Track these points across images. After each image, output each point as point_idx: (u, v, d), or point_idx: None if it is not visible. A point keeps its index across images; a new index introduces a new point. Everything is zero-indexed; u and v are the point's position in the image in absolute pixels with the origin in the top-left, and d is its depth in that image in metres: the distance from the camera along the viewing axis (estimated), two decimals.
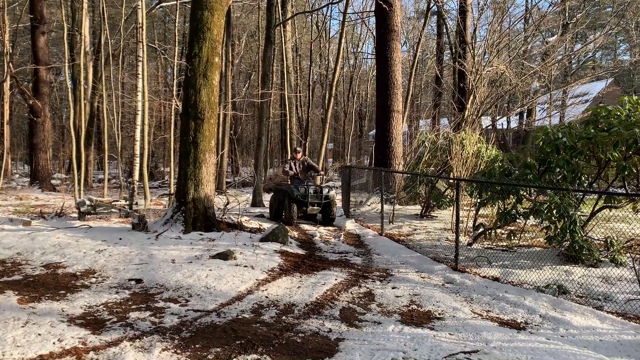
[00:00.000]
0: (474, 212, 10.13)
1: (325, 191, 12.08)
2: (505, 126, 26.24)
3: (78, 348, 4.30)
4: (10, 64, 18.98)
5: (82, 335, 4.58)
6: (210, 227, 9.82)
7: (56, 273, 6.79)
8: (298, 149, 13.37)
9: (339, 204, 14.67)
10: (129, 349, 4.28)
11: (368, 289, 6.54)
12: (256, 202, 16.28)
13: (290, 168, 12.85)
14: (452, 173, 11.63)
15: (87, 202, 11.70)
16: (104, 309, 5.40)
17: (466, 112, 17.55)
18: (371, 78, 36.29)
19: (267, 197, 17.44)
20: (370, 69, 37.59)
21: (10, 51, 20.62)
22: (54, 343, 4.37)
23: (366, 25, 32.65)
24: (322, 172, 13.25)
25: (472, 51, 19.29)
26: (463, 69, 19.59)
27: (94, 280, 6.52)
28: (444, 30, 27.67)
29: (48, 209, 13.36)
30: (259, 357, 4.25)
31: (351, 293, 6.32)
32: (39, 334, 4.53)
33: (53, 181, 22.76)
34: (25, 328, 4.65)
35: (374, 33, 22.94)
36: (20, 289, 5.92)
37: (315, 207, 12.13)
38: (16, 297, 5.60)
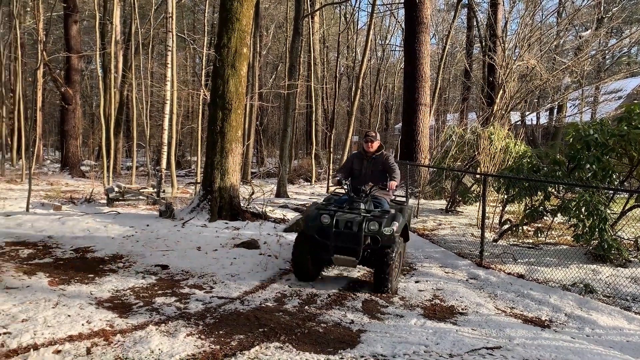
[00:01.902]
0: (501, 208, 10.00)
1: (371, 225, 5.75)
2: (534, 122, 25.77)
3: (106, 330, 4.41)
4: (44, 51, 19.39)
5: (110, 318, 4.69)
6: (235, 216, 9.92)
7: (85, 257, 6.96)
8: (372, 134, 6.84)
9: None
10: (154, 333, 4.37)
11: None
12: (280, 193, 16.36)
13: (350, 170, 6.89)
14: (479, 168, 11.49)
15: (116, 189, 11.92)
16: (131, 293, 5.52)
17: (495, 107, 17.28)
18: (399, 71, 35.97)
19: (291, 188, 17.53)
20: (397, 61, 37.27)
21: (44, 39, 21.07)
22: (82, 325, 4.48)
23: (395, 17, 32.37)
24: (393, 186, 6.42)
25: (502, 45, 18.95)
26: (493, 63, 19.28)
27: (121, 265, 6.66)
28: (474, 23, 27.23)
29: (78, 195, 13.66)
30: (282, 345, 4.29)
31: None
32: (69, 315, 4.66)
33: (82, 168, 23.24)
34: (56, 309, 4.79)
35: (403, 25, 22.71)
36: (51, 271, 6.08)
37: (346, 257, 5.82)
38: (47, 278, 5.76)
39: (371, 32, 19.03)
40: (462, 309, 5.59)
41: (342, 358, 4.11)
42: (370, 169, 6.74)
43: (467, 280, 6.83)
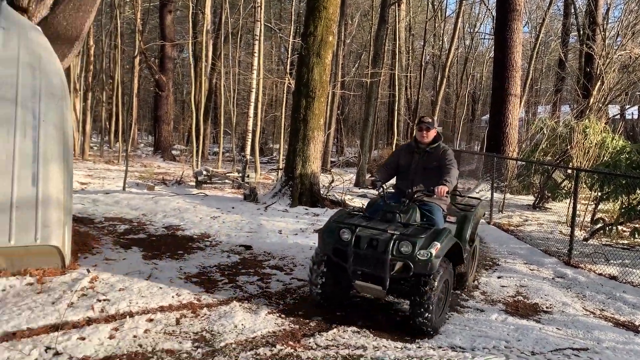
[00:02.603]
0: (593, 206, 9.45)
1: (403, 246, 4.16)
2: (635, 116, 23.97)
3: (193, 303, 4.67)
4: (141, 40, 20.55)
5: (197, 292, 4.96)
6: (314, 203, 10.09)
7: (175, 234, 7.38)
8: (428, 119, 5.30)
9: None
10: (238, 309, 4.57)
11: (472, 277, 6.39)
12: (359, 182, 16.39)
13: (395, 167, 5.44)
14: (571, 163, 10.90)
15: (204, 173, 12.49)
16: (217, 270, 5.79)
17: (591, 99, 16.27)
18: (487, 60, 34.70)
19: (369, 177, 17.49)
20: (487, 50, 35.94)
21: (141, 28, 22.31)
22: (172, 297, 4.77)
23: (485, 5, 31.18)
24: (442, 192, 4.73)
25: (602, 33, 17.76)
26: (591, 53, 18.13)
27: (208, 243, 7.00)
28: (572, 11, 25.69)
29: (169, 177, 14.44)
30: (359, 330, 4.34)
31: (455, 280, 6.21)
32: (160, 287, 4.97)
33: (173, 151, 24.49)
34: (148, 281, 5.13)
35: (494, 13, 21.86)
36: (144, 246, 6.51)
37: (370, 285, 4.37)
38: (141, 253, 6.17)
39: (460, 20, 18.48)
40: (547, 308, 5.37)
41: (419, 347, 4.09)
42: (422, 165, 5.15)
43: (553, 278, 6.55)
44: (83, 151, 19.45)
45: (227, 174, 13.54)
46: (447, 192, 4.78)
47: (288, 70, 17.43)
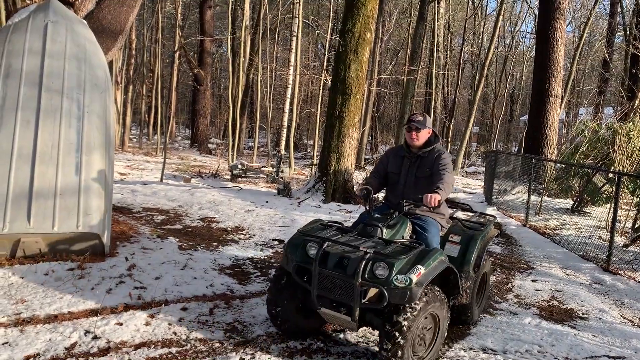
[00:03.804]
0: (635, 211, 9.16)
1: (378, 269, 3.32)
2: None
3: (226, 294, 4.75)
4: (181, 35, 20.92)
5: (230, 283, 5.04)
6: (347, 200, 10.10)
7: (210, 226, 7.51)
8: (418, 117, 4.29)
9: (474, 199, 13.72)
10: None
11: (506, 279, 6.30)
12: None
13: (385, 172, 4.55)
14: (613, 167, 10.58)
15: (239, 166, 12.66)
16: (250, 263, 5.88)
17: (636, 102, 15.73)
18: (528, 59, 33.96)
19: None
20: (527, 49, 35.17)
21: (181, 23, 22.72)
22: (206, 287, 4.87)
23: (527, 3, 30.52)
24: (431, 201, 3.84)
25: None
26: (638, 53, 17.52)
27: (242, 236, 7.10)
28: (619, 10, 24.86)
29: (205, 170, 14.68)
30: None
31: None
32: (195, 278, 5.08)
33: (209, 145, 24.87)
34: (184, 271, 5.24)
35: (536, 11, 21.37)
36: (180, 237, 6.65)
37: (337, 315, 3.49)
38: (177, 243, 6.30)
39: (500, 18, 18.15)
40: (583, 314, 5.24)
41: (450, 348, 4.07)
42: (413, 172, 4.29)
43: (590, 284, 6.39)
44: (123, 143, 19.96)
45: (262, 169, 13.69)
46: (439, 202, 3.86)
47: (325, 67, 17.45)
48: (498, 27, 18.02)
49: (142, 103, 25.38)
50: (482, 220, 4.96)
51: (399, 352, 3.28)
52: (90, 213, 5.06)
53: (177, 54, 21.91)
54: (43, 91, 5.29)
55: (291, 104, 16.07)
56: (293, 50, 15.27)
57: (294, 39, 15.16)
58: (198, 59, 23.42)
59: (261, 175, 13.02)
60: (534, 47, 17.84)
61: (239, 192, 10.52)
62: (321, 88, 17.59)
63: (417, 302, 3.32)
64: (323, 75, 15.87)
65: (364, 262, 3.30)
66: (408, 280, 3.22)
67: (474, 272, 4.26)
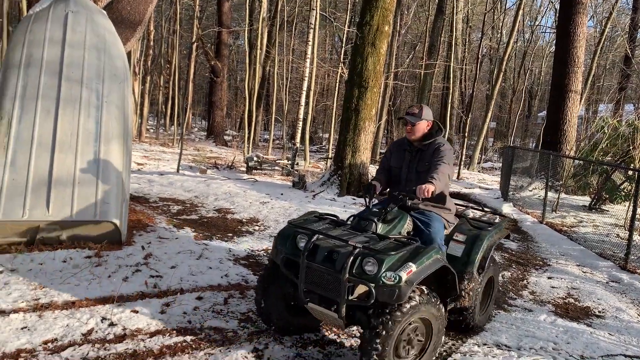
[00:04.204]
0: None
1: (367, 264, 3.17)
2: None
3: (241, 284, 4.79)
4: (199, 27, 20.97)
5: (245, 274, 5.08)
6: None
7: (225, 217, 7.55)
8: (414, 109, 4.10)
9: (490, 195, 13.57)
10: None
11: (521, 275, 6.25)
12: None
13: (389, 167, 4.30)
14: (632, 164, 10.42)
15: (255, 158, 12.70)
16: (264, 254, 5.90)
17: None
18: (547, 54, 33.49)
19: None
20: (547, 44, 34.68)
21: (199, 15, 22.78)
22: (221, 277, 4.91)
23: None
24: (424, 192, 3.60)
25: None
26: None
27: (257, 227, 7.13)
28: None
29: (220, 161, 14.74)
30: None
31: (502, 277, 6.09)
32: (210, 268, 5.11)
33: (225, 137, 24.95)
34: (199, 261, 5.28)
35: (557, 5, 21.05)
36: (196, 227, 6.70)
37: (324, 310, 3.34)
38: (193, 233, 6.35)
39: (520, 12, 17.91)
40: (599, 312, 5.19)
41: (464, 343, 4.06)
42: (414, 167, 4.08)
43: (607, 282, 6.32)
44: (140, 133, 20.11)
45: (277, 161, 13.72)
46: (433, 193, 3.63)
47: (342, 60, 17.39)
48: (518, 21, 17.78)
49: (160, 94, 25.52)
50: (493, 219, 4.73)
51: (378, 355, 3.08)
52: (107, 202, 5.12)
53: (194, 46, 21.97)
54: (63, 80, 5.36)
55: (307, 96, 16.05)
56: (310, 43, 15.23)
57: (311, 31, 15.11)
58: (215, 51, 23.46)
59: (276, 168, 13.04)
60: (554, 42, 17.60)
61: (254, 184, 10.56)
62: (338, 81, 17.53)
63: (406, 303, 3.13)
64: (340, 68, 15.81)
65: (352, 257, 3.15)
66: (397, 278, 3.05)
67: (478, 273, 3.99)
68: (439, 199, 3.93)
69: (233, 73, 42.03)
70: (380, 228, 3.58)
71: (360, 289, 3.29)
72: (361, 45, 9.96)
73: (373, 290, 3.07)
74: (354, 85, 10.03)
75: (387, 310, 3.12)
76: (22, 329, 3.55)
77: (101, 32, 5.79)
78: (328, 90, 30.06)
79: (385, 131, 28.40)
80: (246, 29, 17.90)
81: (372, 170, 11.94)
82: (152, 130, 24.60)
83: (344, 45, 17.90)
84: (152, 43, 21.99)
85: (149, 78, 22.27)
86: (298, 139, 15.54)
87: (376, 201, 4.08)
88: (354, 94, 10.01)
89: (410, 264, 3.14)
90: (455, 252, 4.01)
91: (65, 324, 3.67)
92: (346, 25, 15.32)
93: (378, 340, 3.07)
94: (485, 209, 4.94)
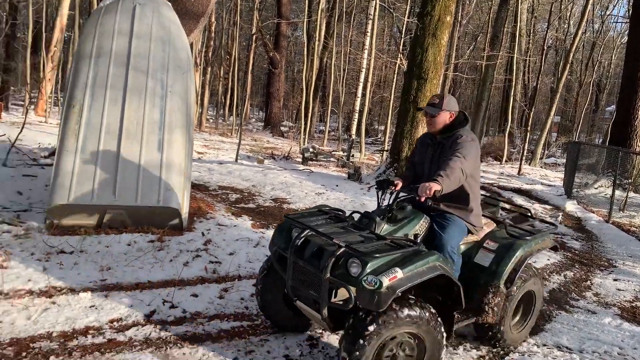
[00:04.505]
0: None
1: (352, 265, 2.87)
2: None
3: None
4: (259, 18, 21.24)
5: None
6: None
7: (282, 207, 7.65)
8: (434, 100, 3.66)
9: (553, 191, 13.15)
10: None
11: (584, 276, 6.00)
12: None
13: (412, 163, 4.03)
14: None
15: (311, 149, 12.78)
16: None
17: None
18: (618, 46, 31.80)
19: None
20: (618, 35, 32.90)
21: (259, 6, 23.05)
22: None
23: None
24: (427, 191, 3.14)
25: None
26: None
27: None
28: None
29: (277, 152, 14.93)
30: None
31: (564, 276, 5.88)
32: (266, 255, 5.17)
33: (281, 128, 25.23)
34: (256, 249, 5.38)
35: None
36: (253, 216, 6.82)
37: (308, 309, 3.21)
38: (250, 221, 6.47)
39: (590, 1, 17.07)
40: None
41: (522, 342, 3.94)
42: (436, 163, 3.62)
43: None
44: (200, 123, 20.66)
45: (333, 152, 13.74)
46: (436, 193, 3.15)
47: (401, 50, 17.16)
48: (587, 11, 16.94)
49: (219, 85, 26.10)
50: (537, 227, 4.11)
51: None
52: (170, 189, 5.29)
53: (254, 37, 22.30)
54: (130, 71, 5.57)
55: (364, 88, 15.96)
56: (368, 34, 15.12)
57: (370, 22, 15.00)
58: (274, 42, 23.71)
59: (332, 159, 13.07)
60: (627, 32, 16.66)
61: (309, 174, 10.63)
62: (395, 72, 17.33)
63: (390, 313, 2.81)
64: (398, 59, 15.61)
65: (334, 257, 2.90)
66: (377, 283, 2.73)
67: (506, 287, 3.51)
68: (461, 199, 3.51)
69: (290, 64, 42.34)
70: (385, 228, 3.26)
71: (335, 288, 3.06)
72: (421, 36, 9.78)
73: (351, 294, 2.83)
74: (413, 76, 9.88)
75: (366, 319, 2.83)
76: (90, 307, 3.74)
77: (166, 24, 5.96)
78: (385, 82, 29.78)
79: None
80: (305, 20, 17.98)
81: None
82: (211, 120, 25.22)
83: (403, 36, 17.64)
84: (213, 35, 22.46)
85: (209, 69, 22.78)
86: (354, 131, 15.50)
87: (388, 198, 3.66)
88: (413, 85, 9.86)
89: (397, 269, 2.82)
90: (483, 261, 3.58)
91: (130, 305, 3.83)
92: (406, 16, 15.09)
93: (352, 353, 2.79)
94: (535, 217, 4.37)
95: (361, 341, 2.78)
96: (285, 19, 22.62)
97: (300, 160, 12.92)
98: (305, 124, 16.91)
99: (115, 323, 3.58)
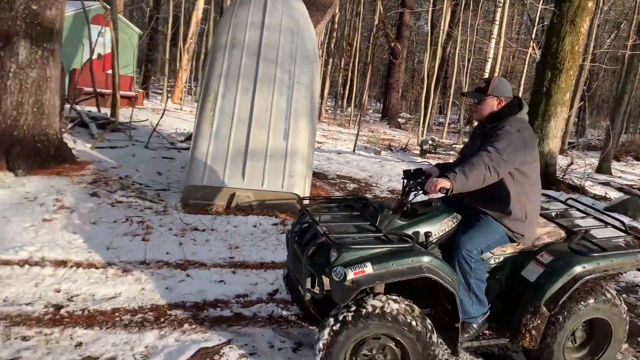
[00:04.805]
0: None
1: (332, 254, 2.70)
2: None
3: None
4: (382, 8, 21.14)
5: None
6: (549, 185, 9.34)
7: (399, 199, 7.58)
8: (480, 86, 3.30)
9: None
10: None
11: None
12: (602, 169, 14.57)
13: (462, 154, 3.60)
14: None
15: (430, 142, 12.53)
16: None
17: None
18: None
19: (615, 165, 15.46)
20: None
21: None
22: None
23: None
24: (435, 187, 2.76)
25: None
26: None
27: None
28: None
29: (394, 143, 14.82)
30: None
31: None
32: None
33: (399, 119, 24.98)
34: None
35: None
36: None
37: (302, 295, 3.02)
38: None
39: None
40: None
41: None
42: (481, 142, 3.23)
43: None
44: (320, 113, 21.10)
45: (452, 145, 13.35)
46: (446, 191, 2.77)
47: (533, 38, 16.15)
48: None
49: (339, 76, 26.42)
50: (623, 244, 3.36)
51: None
52: (293, 175, 5.48)
53: (376, 27, 22.24)
54: (260, 61, 5.83)
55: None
56: (497, 22, 14.43)
57: (499, 10, 14.28)
58: (396, 32, 23.46)
59: (451, 153, 12.70)
60: None
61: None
62: (526, 63, 16.35)
63: (358, 309, 2.63)
64: (530, 48, 14.71)
65: (315, 245, 2.76)
66: (342, 275, 2.57)
67: (549, 310, 2.95)
68: (500, 199, 3.05)
69: (411, 55, 41.64)
70: (396, 222, 2.95)
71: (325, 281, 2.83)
72: (558, 24, 9.12)
73: (323, 283, 2.73)
74: (547, 66, 9.26)
75: (337, 313, 2.69)
76: (219, 281, 4.00)
77: (296, 16, 6.14)
78: (512, 73, 28.26)
79: (577, 118, 25.85)
80: (430, 9, 17.55)
81: (561, 161, 11.00)
82: (330, 111, 25.64)
83: (535, 24, 16.58)
84: (336, 26, 22.77)
85: (330, 60, 23.14)
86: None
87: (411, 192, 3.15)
88: (546, 76, 9.24)
89: (367, 264, 2.60)
90: (530, 275, 3.07)
91: (254, 282, 4.04)
92: (540, 3, 14.15)
93: (320, 344, 2.66)
94: (626, 230, 3.44)
95: (327, 338, 2.65)
96: (409, 9, 22.28)
97: (418, 152, 12.71)
98: (425, 115, 16.56)
99: (241, 298, 3.80)
